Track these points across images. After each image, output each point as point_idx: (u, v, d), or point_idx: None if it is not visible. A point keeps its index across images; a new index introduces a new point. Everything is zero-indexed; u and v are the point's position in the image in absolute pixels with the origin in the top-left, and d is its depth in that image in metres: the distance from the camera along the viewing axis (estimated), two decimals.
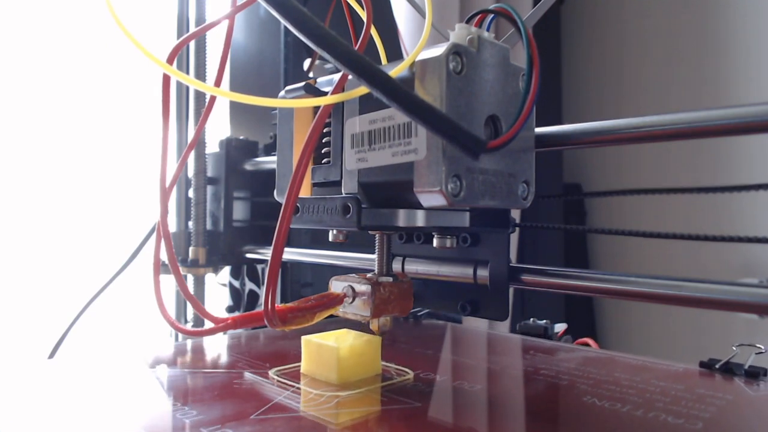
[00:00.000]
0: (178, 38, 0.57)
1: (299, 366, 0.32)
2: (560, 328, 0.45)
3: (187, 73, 0.59)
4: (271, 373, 0.32)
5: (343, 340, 0.31)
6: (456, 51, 0.24)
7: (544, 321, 0.46)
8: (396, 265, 0.38)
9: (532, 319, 0.46)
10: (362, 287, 0.30)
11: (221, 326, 0.27)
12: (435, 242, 0.32)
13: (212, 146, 0.60)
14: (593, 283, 0.30)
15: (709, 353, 0.35)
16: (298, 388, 0.29)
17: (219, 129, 0.66)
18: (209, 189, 0.59)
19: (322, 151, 0.31)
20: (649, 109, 0.31)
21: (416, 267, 0.37)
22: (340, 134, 0.29)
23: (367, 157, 0.27)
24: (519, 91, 0.27)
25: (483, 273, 0.34)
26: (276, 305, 0.26)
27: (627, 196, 1.07)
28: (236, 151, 0.59)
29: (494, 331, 0.48)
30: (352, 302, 0.30)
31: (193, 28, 0.60)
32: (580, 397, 0.28)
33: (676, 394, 0.29)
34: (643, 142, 0.29)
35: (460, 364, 0.35)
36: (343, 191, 0.29)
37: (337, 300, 0.30)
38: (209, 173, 0.59)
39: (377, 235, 0.32)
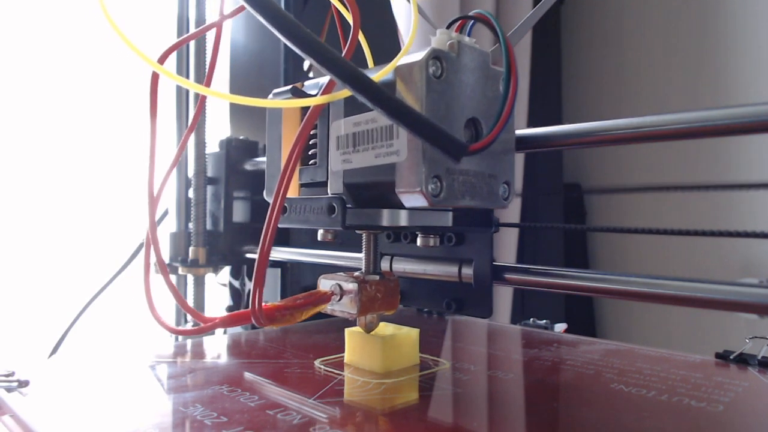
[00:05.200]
0: (177, 38, 0.57)
1: (342, 357, 0.34)
2: (560, 327, 0.45)
3: (187, 75, 0.59)
4: (316, 363, 0.34)
5: (384, 331, 0.33)
6: (436, 56, 0.25)
7: (544, 321, 0.46)
8: (384, 264, 0.39)
9: (532, 319, 0.46)
10: (349, 285, 0.30)
11: (209, 326, 0.28)
12: (419, 241, 0.33)
13: (212, 146, 0.60)
14: (577, 281, 0.31)
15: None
16: (345, 377, 0.31)
17: (219, 129, 0.66)
18: (209, 189, 0.59)
19: (309, 153, 0.32)
20: (649, 109, 0.31)
21: (404, 266, 0.38)
22: (326, 136, 0.30)
23: (351, 159, 0.28)
24: (499, 94, 0.28)
25: (467, 271, 0.35)
26: (264, 304, 0.27)
27: (626, 197, 1.07)
28: (236, 151, 0.59)
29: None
30: (339, 300, 0.31)
31: (193, 29, 0.60)
32: (608, 384, 0.30)
33: (696, 381, 0.31)
34: (642, 142, 0.29)
35: (489, 355, 0.37)
36: (329, 192, 0.30)
37: (325, 298, 0.30)
38: (209, 173, 0.59)
39: (364, 235, 0.33)
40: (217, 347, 0.39)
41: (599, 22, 1.15)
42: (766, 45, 0.93)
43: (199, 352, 0.38)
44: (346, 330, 0.34)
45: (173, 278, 0.62)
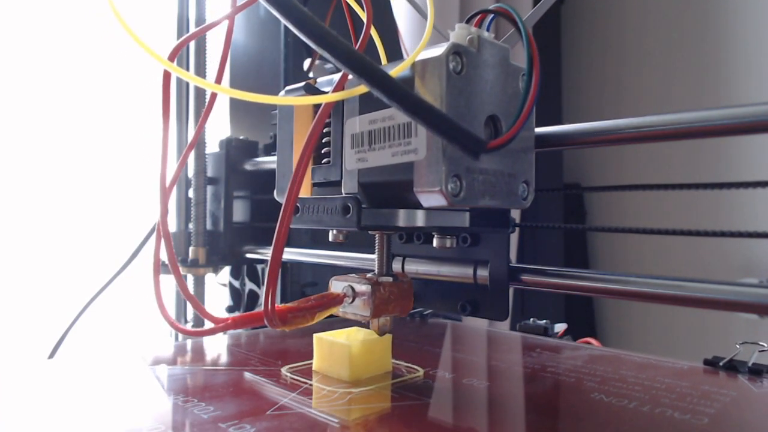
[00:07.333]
0: (178, 38, 0.57)
1: (311, 363, 0.33)
2: (560, 328, 0.45)
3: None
4: (283, 370, 0.33)
5: (354, 337, 0.32)
6: (456, 51, 0.24)
7: (544, 321, 0.46)
8: (396, 265, 0.38)
9: (532, 319, 0.46)
10: (362, 287, 0.29)
11: (221, 326, 0.27)
12: (435, 242, 0.32)
13: (212, 146, 0.60)
14: (593, 283, 0.30)
15: (709, 353, 0.35)
16: (311, 385, 0.30)
17: (219, 129, 0.66)
18: (209, 189, 0.59)
19: (322, 151, 0.31)
20: (648, 109, 0.31)
21: (416, 267, 0.37)
22: (340, 134, 0.29)
23: (367, 157, 0.28)
24: (519, 91, 0.27)
25: (483, 273, 0.34)
26: (276, 305, 0.26)
27: (627, 197, 1.07)
28: (236, 151, 0.59)
29: (496, 329, 0.48)
30: (352, 302, 0.30)
31: (193, 28, 0.60)
32: (588, 394, 0.29)
33: (682, 390, 0.29)
34: (643, 142, 0.29)
35: (468, 361, 0.36)
36: (343, 191, 0.29)
37: (337, 300, 0.29)
38: (209, 173, 0.59)
39: (377, 235, 0.32)
40: (179, 353, 0.37)
41: (599, 22, 1.15)
42: (767, 45, 0.93)
43: (162, 358, 0.36)
44: (315, 335, 0.32)
45: (171, 278, 0.62)
